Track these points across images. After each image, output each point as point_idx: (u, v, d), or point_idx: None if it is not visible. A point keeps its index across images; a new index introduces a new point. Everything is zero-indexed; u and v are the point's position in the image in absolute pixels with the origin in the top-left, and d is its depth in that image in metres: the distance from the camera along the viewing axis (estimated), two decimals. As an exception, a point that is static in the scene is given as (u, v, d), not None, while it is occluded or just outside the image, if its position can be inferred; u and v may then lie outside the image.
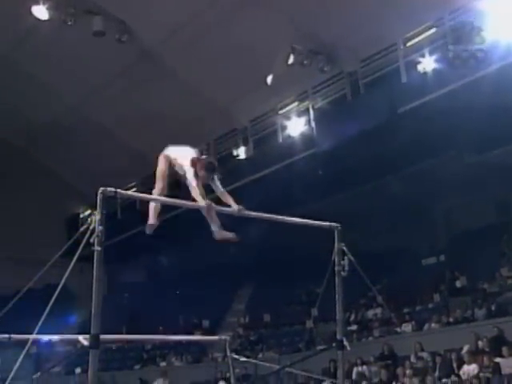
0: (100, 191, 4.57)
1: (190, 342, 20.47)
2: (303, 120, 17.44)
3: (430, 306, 16.70)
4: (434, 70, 14.32)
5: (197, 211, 5.57)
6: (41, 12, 15.97)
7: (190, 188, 5.47)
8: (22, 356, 4.42)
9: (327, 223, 6.05)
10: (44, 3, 15.86)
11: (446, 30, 14.52)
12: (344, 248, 5.96)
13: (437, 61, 14.34)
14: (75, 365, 18.71)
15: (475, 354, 12.81)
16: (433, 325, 15.50)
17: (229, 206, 5.47)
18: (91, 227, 4.44)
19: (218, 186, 5.54)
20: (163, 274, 24.24)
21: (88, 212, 21.37)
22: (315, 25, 15.72)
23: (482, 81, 13.12)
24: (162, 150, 6.14)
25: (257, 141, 18.92)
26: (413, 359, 13.92)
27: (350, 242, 6.07)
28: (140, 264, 25.20)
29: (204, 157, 5.70)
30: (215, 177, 5.55)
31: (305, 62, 16.05)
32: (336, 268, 5.97)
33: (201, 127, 19.24)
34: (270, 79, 16.38)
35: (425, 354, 13.86)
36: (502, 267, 15.86)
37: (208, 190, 5.60)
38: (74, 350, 18.30)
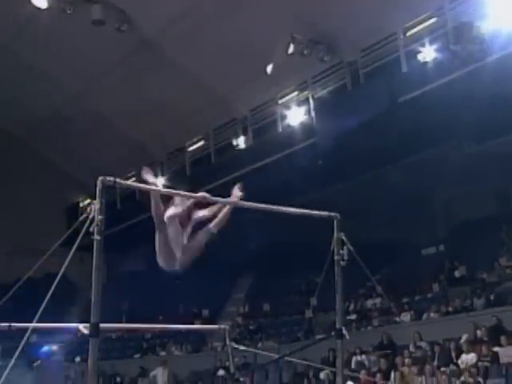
0: (99, 180, 4.57)
1: (189, 332, 20.56)
2: (303, 110, 17.40)
3: (429, 295, 16.75)
4: (435, 60, 14.27)
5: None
6: (40, 1, 15.88)
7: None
8: (21, 344, 4.43)
9: (326, 213, 6.05)
10: (43, -8, 15.81)
11: (446, 19, 14.47)
12: (343, 237, 5.96)
13: (437, 50, 14.29)
14: (75, 353, 18.79)
15: (474, 344, 12.86)
16: (432, 314, 15.55)
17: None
18: (91, 216, 4.44)
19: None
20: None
21: (88, 201, 21.41)
22: (315, 14, 15.65)
23: (482, 70, 13.08)
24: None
25: (256, 130, 18.88)
26: (411, 348, 13.98)
27: (350, 231, 6.07)
28: (140, 253, 25.19)
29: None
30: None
31: (305, 51, 15.99)
32: (335, 258, 5.97)
33: (200, 117, 19.23)
34: (269, 69, 16.33)
35: (423, 344, 13.91)
36: (501, 257, 15.89)
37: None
38: (74, 339, 18.44)
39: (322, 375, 14.44)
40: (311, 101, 17.27)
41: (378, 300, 17.32)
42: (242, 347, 8.11)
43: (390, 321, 16.29)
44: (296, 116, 17.44)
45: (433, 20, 14.85)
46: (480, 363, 12.13)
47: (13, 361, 4.48)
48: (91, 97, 20.02)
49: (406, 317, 15.97)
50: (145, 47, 17.79)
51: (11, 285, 5.14)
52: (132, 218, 20.84)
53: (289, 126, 17.67)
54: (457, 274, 16.67)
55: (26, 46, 18.31)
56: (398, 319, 15.92)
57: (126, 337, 21.35)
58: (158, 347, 20.72)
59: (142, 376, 18.47)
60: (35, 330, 5.38)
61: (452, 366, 12.55)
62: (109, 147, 21.45)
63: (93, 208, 4.46)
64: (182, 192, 5.51)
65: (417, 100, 14.45)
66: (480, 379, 11.72)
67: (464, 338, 13.22)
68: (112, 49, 17.75)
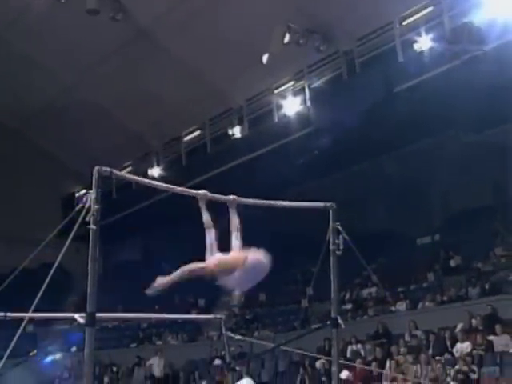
0: (95, 170, 4.56)
1: (185, 321, 20.57)
2: (299, 99, 17.36)
3: (425, 284, 16.79)
4: (431, 49, 14.25)
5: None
6: (34, -10, 15.80)
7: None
8: (17, 334, 4.43)
9: (322, 203, 6.06)
10: (37, -20, 15.71)
11: (442, 8, 14.43)
12: (339, 227, 5.98)
13: (433, 40, 14.26)
14: (71, 343, 18.80)
15: (468, 332, 12.94)
16: (427, 303, 15.60)
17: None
18: (86, 206, 4.43)
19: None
20: (159, 252, 24.28)
21: (83, 191, 21.37)
22: (311, 3, 15.59)
23: (478, 60, 13.06)
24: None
25: (252, 120, 18.84)
26: (407, 337, 14.04)
27: (345, 221, 6.08)
28: (135, 243, 25.23)
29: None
30: None
31: (301, 40, 15.95)
32: (331, 247, 5.99)
33: (196, 106, 19.16)
34: (265, 58, 16.28)
35: (419, 333, 13.97)
36: (496, 247, 15.93)
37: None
38: (70, 329, 18.47)
39: (317, 364, 14.49)
40: (307, 90, 17.24)
41: (373, 289, 17.37)
42: (237, 336, 8.15)
43: (385, 310, 16.35)
44: (292, 106, 17.41)
45: (429, 9, 14.82)
46: (475, 352, 12.21)
47: (8, 351, 4.48)
48: (86, 87, 19.92)
49: (401, 306, 16.02)
50: (140, 37, 17.70)
51: (7, 274, 5.13)
52: (128, 207, 20.82)
53: (285, 115, 17.64)
54: (452, 263, 16.72)
55: (20, 35, 18.18)
56: (393, 308, 15.98)
57: (123, 326, 21.37)
58: (154, 337, 20.76)
59: (139, 365, 18.53)
60: (31, 320, 5.39)
61: (447, 355, 12.63)
62: (105, 137, 21.37)
63: (89, 197, 4.45)
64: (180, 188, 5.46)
65: (413, 89, 14.44)
66: (474, 367, 11.79)
67: (459, 326, 13.29)
68: (107, 38, 17.65)
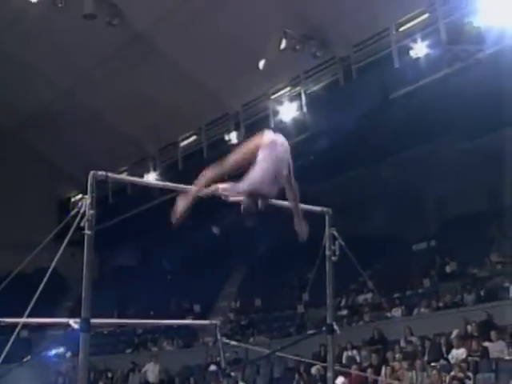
0: (91, 175, 4.54)
1: (181, 327, 20.54)
2: (295, 105, 17.39)
3: (420, 290, 16.78)
4: (427, 56, 14.29)
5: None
6: (30, -6, 15.80)
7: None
8: (11, 339, 4.40)
9: (318, 208, 6.05)
10: (33, -15, 15.71)
11: (438, 15, 14.48)
12: (335, 233, 5.97)
13: (429, 46, 14.31)
14: (66, 349, 18.73)
15: (464, 339, 12.92)
16: (422, 309, 15.59)
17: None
18: (82, 211, 4.41)
19: None
20: (154, 258, 24.24)
21: (79, 196, 21.34)
22: (308, 9, 15.63)
23: (474, 66, 13.11)
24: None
25: (249, 126, 18.84)
26: (402, 343, 14.02)
27: (341, 226, 6.07)
28: (131, 248, 25.19)
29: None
30: None
31: (297, 46, 15.98)
32: (327, 253, 5.98)
33: (193, 111, 19.18)
34: (262, 64, 16.31)
35: (414, 339, 13.95)
36: (492, 253, 15.93)
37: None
38: (65, 334, 18.39)
39: (313, 370, 14.45)
40: (303, 96, 17.26)
41: (369, 295, 17.35)
42: (233, 342, 8.13)
43: (381, 316, 16.33)
44: (288, 111, 17.43)
45: (425, 16, 14.87)
46: (470, 358, 12.19)
47: (2, 356, 4.46)
48: (83, 91, 19.92)
49: (396, 312, 16.01)
50: (136, 41, 17.72)
51: (1, 279, 5.11)
52: (124, 212, 20.78)
53: (281, 121, 17.65)
54: (448, 269, 16.72)
55: (17, 39, 18.18)
56: (389, 314, 15.96)
57: (118, 332, 21.30)
58: (149, 342, 20.69)
59: (134, 371, 18.46)
60: (26, 325, 5.36)
61: (442, 361, 12.61)
62: (101, 141, 21.37)
63: (84, 202, 4.43)
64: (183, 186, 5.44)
65: (409, 95, 14.47)
66: (470, 374, 11.77)
67: (454, 333, 13.28)
68: (103, 43, 17.66)
